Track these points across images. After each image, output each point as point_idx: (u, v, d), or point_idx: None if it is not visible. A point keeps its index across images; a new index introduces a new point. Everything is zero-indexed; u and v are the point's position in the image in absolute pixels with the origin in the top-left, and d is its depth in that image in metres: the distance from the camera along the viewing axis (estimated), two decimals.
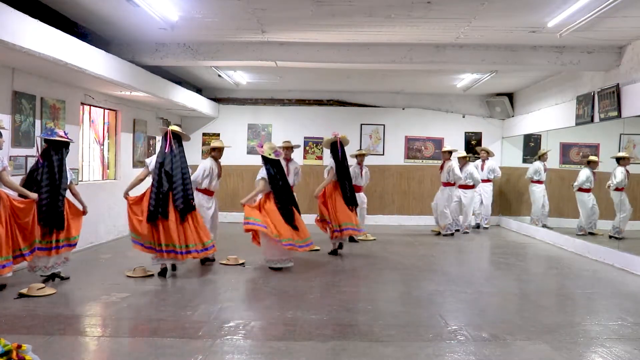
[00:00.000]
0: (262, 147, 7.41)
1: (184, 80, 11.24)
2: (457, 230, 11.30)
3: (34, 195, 5.95)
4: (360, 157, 10.14)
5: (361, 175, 10.07)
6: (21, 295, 5.60)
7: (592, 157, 10.27)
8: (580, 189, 10.18)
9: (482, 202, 12.05)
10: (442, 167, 11.15)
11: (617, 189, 9.45)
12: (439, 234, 11.13)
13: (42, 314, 5.07)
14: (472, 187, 11.44)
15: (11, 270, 5.66)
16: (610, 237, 9.32)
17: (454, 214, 11.19)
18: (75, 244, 6.55)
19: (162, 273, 6.75)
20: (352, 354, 4.22)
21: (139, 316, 5.17)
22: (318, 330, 4.77)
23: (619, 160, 9.46)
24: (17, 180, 6.06)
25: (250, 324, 4.92)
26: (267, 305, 5.70)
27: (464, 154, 11.62)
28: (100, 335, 4.67)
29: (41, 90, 7.31)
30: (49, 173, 6.13)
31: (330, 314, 5.27)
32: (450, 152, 11.04)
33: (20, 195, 5.92)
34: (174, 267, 6.95)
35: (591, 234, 9.87)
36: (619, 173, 9.39)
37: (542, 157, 11.25)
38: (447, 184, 11.04)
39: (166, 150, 6.68)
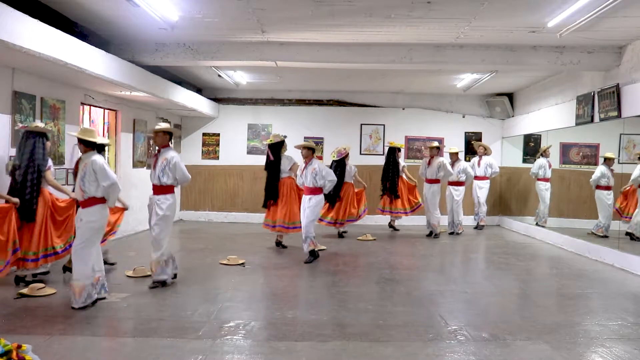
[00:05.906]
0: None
1: (184, 80, 11.24)
2: (452, 233, 11.18)
3: (74, 194, 6.00)
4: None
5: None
6: (21, 295, 5.60)
7: (608, 154, 10.01)
8: (599, 187, 10.00)
9: (478, 201, 12.01)
10: (429, 163, 10.76)
11: None
12: (430, 234, 10.79)
13: (42, 314, 5.08)
14: (463, 184, 11.33)
15: (37, 265, 5.97)
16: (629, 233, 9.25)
17: (455, 216, 11.18)
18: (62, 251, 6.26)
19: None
20: (352, 354, 4.23)
21: (139, 316, 5.17)
22: (318, 330, 4.77)
23: None
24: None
25: (250, 324, 4.92)
26: (267, 305, 5.70)
27: (455, 149, 11.45)
28: (100, 335, 4.67)
29: (41, 90, 7.30)
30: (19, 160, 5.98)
31: (330, 314, 5.28)
32: (437, 148, 10.83)
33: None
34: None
35: (599, 236, 9.67)
36: (637, 170, 9.30)
37: (545, 153, 11.20)
38: (434, 181, 10.72)
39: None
